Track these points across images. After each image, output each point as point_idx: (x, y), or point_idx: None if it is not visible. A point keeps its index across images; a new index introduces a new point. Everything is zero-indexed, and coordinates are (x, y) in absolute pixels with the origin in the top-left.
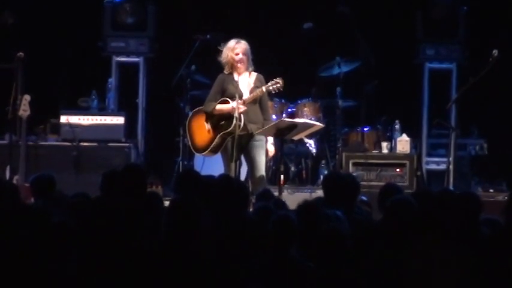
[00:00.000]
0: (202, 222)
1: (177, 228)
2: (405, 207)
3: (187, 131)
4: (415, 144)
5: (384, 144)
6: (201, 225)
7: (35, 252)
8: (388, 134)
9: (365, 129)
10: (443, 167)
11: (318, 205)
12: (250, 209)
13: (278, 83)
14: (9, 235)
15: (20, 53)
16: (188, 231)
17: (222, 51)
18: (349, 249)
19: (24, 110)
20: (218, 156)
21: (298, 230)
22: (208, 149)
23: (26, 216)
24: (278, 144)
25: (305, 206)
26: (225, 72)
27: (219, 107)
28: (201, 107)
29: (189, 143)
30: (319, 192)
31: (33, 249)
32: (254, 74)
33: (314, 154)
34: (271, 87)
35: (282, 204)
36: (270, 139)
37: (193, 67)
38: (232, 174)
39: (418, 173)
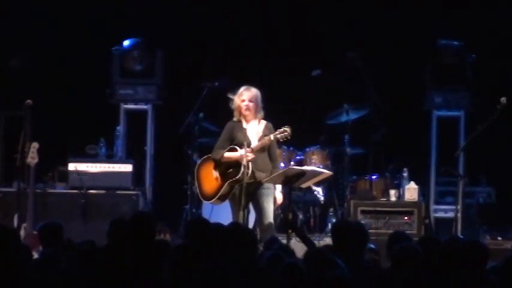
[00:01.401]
0: (210, 269)
1: (180, 272)
2: (411, 255)
3: (195, 178)
4: (423, 192)
5: (392, 192)
6: (208, 271)
7: None
8: (396, 182)
9: (373, 177)
10: (451, 214)
11: (325, 253)
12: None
13: (286, 131)
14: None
15: (29, 100)
16: (190, 276)
17: (232, 98)
18: None
19: (33, 157)
20: (226, 204)
21: (307, 277)
22: (216, 197)
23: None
24: (286, 192)
25: (313, 253)
26: (234, 119)
27: (228, 154)
28: (209, 155)
29: (197, 190)
30: (328, 240)
31: None
32: (263, 122)
33: (322, 202)
34: (279, 136)
35: (290, 252)
36: (278, 187)
37: (201, 114)
38: (241, 221)
39: (426, 221)
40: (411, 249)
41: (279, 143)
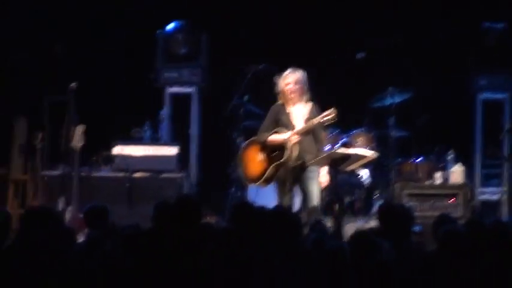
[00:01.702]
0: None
1: (224, 255)
2: (456, 237)
3: (240, 161)
4: (469, 174)
5: (438, 175)
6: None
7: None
8: (441, 165)
9: (418, 159)
10: (497, 197)
11: (371, 235)
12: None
13: (331, 114)
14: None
15: (73, 84)
16: (235, 259)
17: (277, 82)
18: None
19: (78, 140)
20: (271, 187)
21: (351, 259)
22: (262, 180)
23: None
24: (332, 175)
25: (358, 234)
26: (279, 102)
27: (272, 137)
28: (254, 138)
29: (243, 173)
30: (373, 223)
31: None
32: (309, 104)
33: (367, 185)
34: (324, 119)
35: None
36: (324, 170)
37: (246, 97)
38: (286, 204)
39: (472, 204)
40: (456, 231)
41: (325, 125)
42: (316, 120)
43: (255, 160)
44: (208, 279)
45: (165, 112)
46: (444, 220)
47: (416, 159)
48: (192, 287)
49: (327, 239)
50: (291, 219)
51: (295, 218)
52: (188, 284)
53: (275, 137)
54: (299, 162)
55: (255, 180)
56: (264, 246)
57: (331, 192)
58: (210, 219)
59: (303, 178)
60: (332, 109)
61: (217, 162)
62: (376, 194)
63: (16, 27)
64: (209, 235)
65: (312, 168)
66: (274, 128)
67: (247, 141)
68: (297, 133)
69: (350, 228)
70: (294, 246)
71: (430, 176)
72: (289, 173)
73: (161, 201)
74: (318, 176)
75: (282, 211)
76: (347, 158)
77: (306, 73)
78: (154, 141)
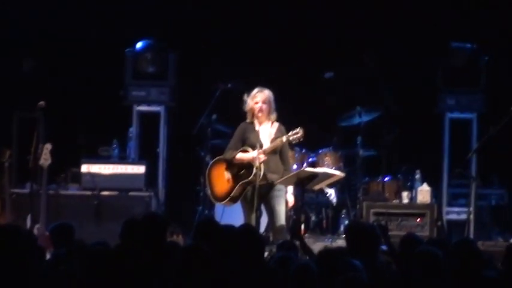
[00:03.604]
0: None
1: (188, 272)
2: (431, 259)
3: (207, 179)
4: (436, 194)
5: (405, 194)
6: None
7: None
8: (408, 184)
9: (386, 178)
10: (463, 217)
11: (339, 254)
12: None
13: (298, 133)
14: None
15: (41, 102)
16: (199, 276)
17: (245, 100)
18: None
19: (45, 159)
20: (238, 206)
21: (319, 277)
22: (228, 198)
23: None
24: (299, 194)
25: (326, 253)
26: (247, 121)
27: (240, 155)
28: (221, 156)
29: (209, 191)
30: (340, 242)
31: None
32: (276, 124)
33: (334, 204)
34: (291, 138)
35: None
36: (290, 189)
37: (214, 116)
38: (253, 223)
39: (439, 223)
40: (432, 252)
41: (292, 144)
42: (285, 138)
43: (221, 179)
44: None
45: (133, 130)
46: (411, 239)
47: (384, 179)
48: None
49: (294, 258)
50: (256, 237)
51: (259, 236)
52: None
53: (242, 155)
54: (266, 181)
55: (222, 198)
56: (229, 264)
57: (297, 211)
58: (178, 238)
59: (269, 197)
60: (299, 128)
61: (185, 180)
62: (344, 213)
63: None
64: (174, 254)
65: (279, 187)
66: (241, 146)
67: (213, 160)
68: (264, 152)
69: (318, 247)
70: (259, 264)
71: (397, 195)
72: (256, 192)
73: (130, 218)
74: (285, 194)
75: (247, 229)
76: (314, 176)
77: (272, 93)
78: (122, 159)
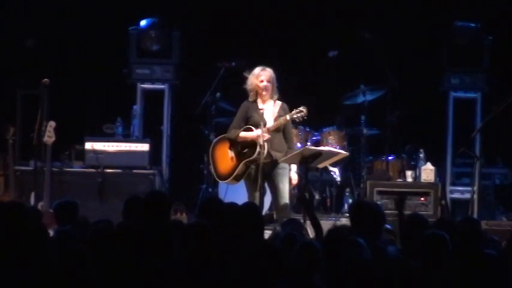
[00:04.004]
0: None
1: (191, 250)
2: (440, 243)
3: (210, 158)
4: (440, 173)
5: (409, 173)
6: (219, 250)
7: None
8: (412, 163)
9: (390, 157)
10: (467, 196)
11: (346, 232)
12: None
13: (302, 111)
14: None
15: (45, 79)
16: (201, 254)
17: (247, 78)
18: (372, 278)
19: (49, 136)
20: (242, 184)
21: (324, 256)
22: (232, 177)
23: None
24: (303, 172)
25: (335, 231)
26: (250, 99)
27: (243, 134)
28: (224, 134)
29: (213, 170)
30: (344, 221)
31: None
32: (278, 103)
33: (338, 182)
34: (295, 116)
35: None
36: (294, 167)
37: (218, 94)
38: (257, 202)
39: (443, 202)
40: (441, 237)
41: (296, 123)
42: (288, 116)
43: (225, 157)
44: (176, 275)
45: (137, 108)
46: (415, 219)
47: (388, 158)
48: (156, 281)
49: (299, 236)
50: (258, 216)
51: (260, 214)
52: (153, 278)
53: (246, 134)
54: (269, 159)
55: (225, 177)
56: (232, 242)
57: (301, 189)
58: (181, 216)
59: (273, 175)
60: (303, 106)
61: (189, 158)
62: (348, 192)
63: None
64: (177, 231)
65: (283, 165)
66: (245, 125)
67: (217, 138)
68: (268, 130)
69: (322, 225)
70: (262, 243)
71: (401, 174)
72: (260, 170)
73: (132, 196)
74: (289, 173)
75: (251, 207)
76: (318, 155)
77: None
78: (126, 137)
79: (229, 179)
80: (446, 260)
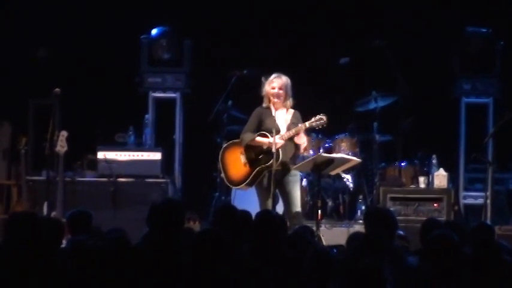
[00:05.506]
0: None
1: (201, 257)
2: (448, 243)
3: (220, 163)
4: (452, 178)
5: (421, 179)
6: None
7: None
8: (425, 169)
9: (402, 164)
10: (480, 201)
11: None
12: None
13: (322, 119)
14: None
15: (57, 89)
16: (212, 261)
17: (263, 83)
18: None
19: (62, 146)
20: (251, 191)
21: (341, 263)
22: (245, 183)
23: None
24: (315, 179)
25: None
26: (264, 105)
27: (259, 139)
28: (235, 140)
29: (223, 175)
30: (357, 227)
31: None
32: (291, 111)
33: (351, 189)
34: (314, 124)
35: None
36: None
37: (230, 102)
38: (269, 208)
39: (456, 208)
40: (447, 235)
41: (311, 130)
42: (308, 124)
43: (236, 162)
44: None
45: (149, 117)
46: (432, 225)
47: (400, 164)
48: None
49: (313, 244)
50: (277, 222)
51: (281, 221)
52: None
53: (262, 139)
54: (283, 166)
55: (238, 183)
56: (247, 249)
57: (315, 196)
58: (194, 224)
59: (284, 182)
60: (322, 114)
61: (202, 167)
62: (360, 199)
63: None
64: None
65: (294, 172)
66: (257, 131)
67: (227, 143)
68: (284, 137)
69: (335, 232)
70: (278, 250)
71: (414, 180)
72: (272, 177)
73: (155, 204)
74: (301, 180)
75: (268, 215)
76: (331, 162)
77: (289, 80)
78: (139, 146)
79: (242, 185)
80: (457, 262)
